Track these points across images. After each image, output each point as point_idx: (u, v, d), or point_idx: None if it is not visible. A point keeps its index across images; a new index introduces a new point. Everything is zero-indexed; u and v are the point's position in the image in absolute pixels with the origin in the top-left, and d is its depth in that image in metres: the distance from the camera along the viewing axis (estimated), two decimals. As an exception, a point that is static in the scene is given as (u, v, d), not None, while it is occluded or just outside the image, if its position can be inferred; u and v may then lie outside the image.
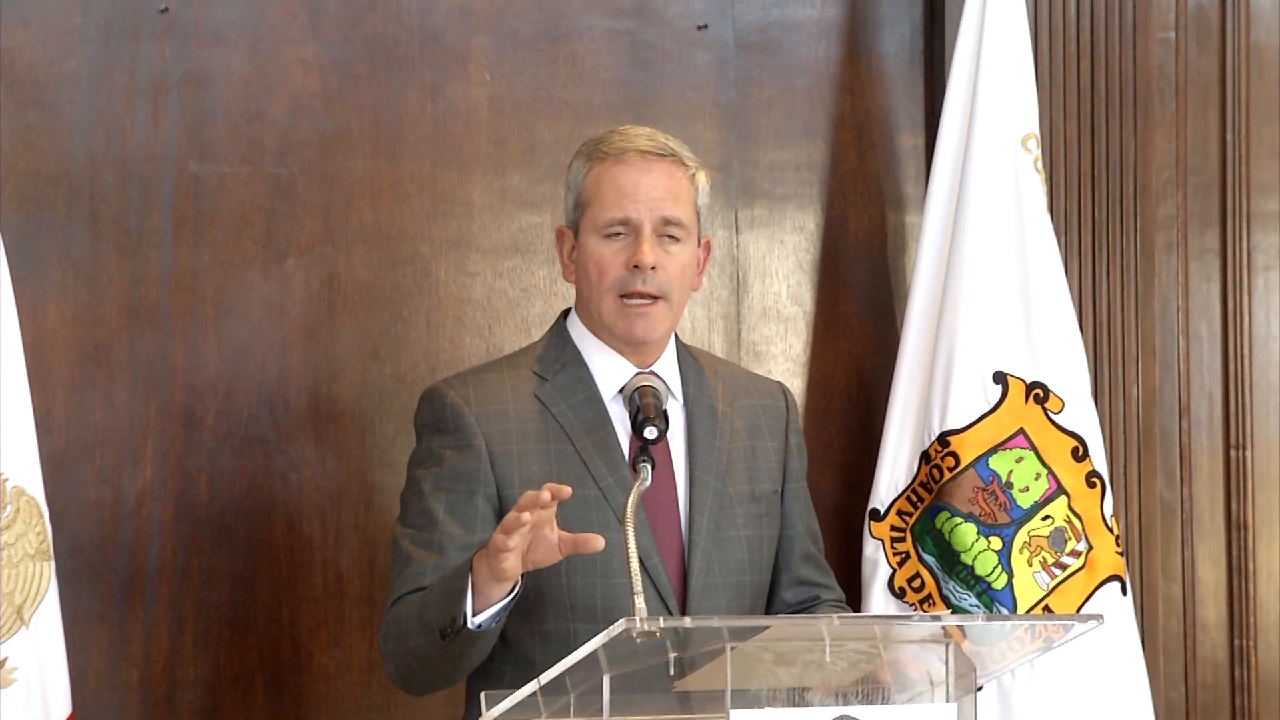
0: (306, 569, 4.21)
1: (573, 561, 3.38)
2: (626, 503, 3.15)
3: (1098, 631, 3.22)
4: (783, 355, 4.54)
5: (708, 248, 3.65)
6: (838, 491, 4.49)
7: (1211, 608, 4.72)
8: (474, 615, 3.21)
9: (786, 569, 3.68)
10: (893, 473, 4.35)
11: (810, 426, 4.49)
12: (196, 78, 4.19)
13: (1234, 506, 4.73)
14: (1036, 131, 4.40)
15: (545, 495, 3.08)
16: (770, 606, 3.66)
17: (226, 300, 4.19)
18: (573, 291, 3.62)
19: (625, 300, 3.50)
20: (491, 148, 4.37)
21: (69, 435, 4.07)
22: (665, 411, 3.41)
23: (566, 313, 3.65)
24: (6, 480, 3.69)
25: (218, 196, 4.19)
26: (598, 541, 3.14)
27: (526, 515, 3.08)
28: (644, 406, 3.39)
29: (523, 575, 3.30)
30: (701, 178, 3.58)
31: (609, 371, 3.55)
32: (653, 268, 3.47)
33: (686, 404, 3.58)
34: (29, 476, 3.72)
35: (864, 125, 4.63)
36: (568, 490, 3.10)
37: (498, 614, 3.23)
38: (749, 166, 4.54)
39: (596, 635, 2.87)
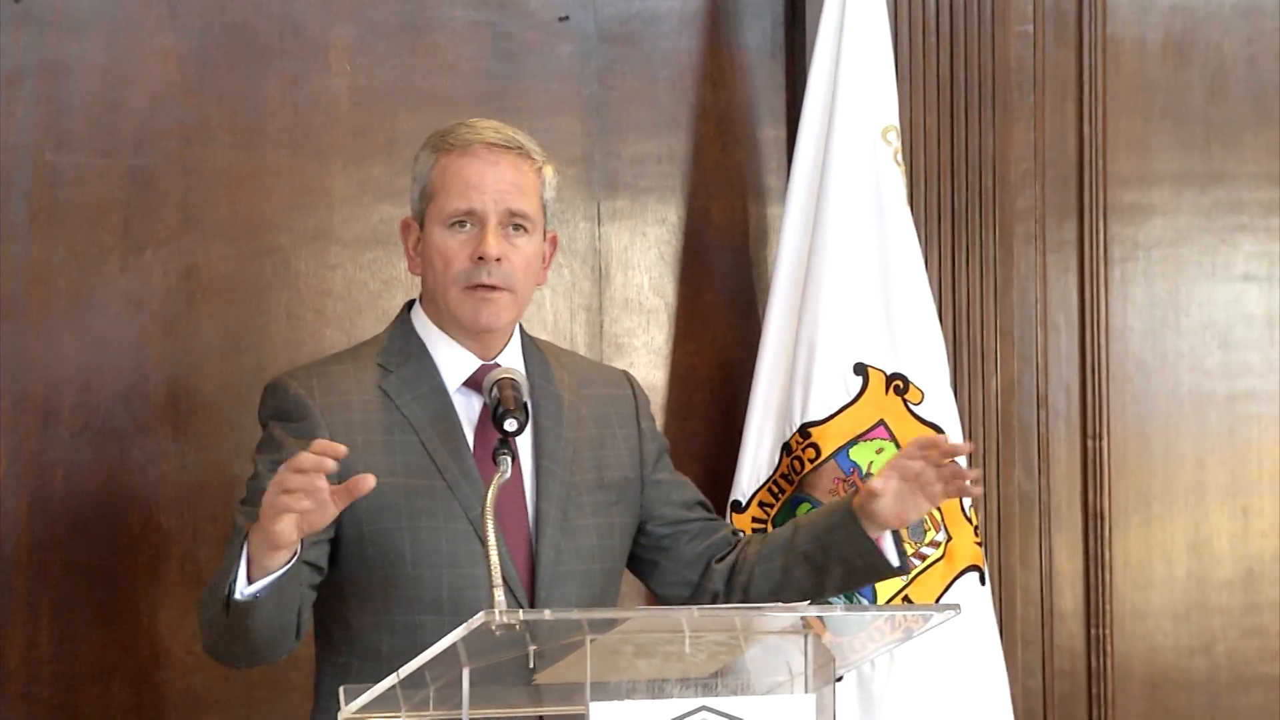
0: (165, 563, 4.17)
1: (419, 552, 3.38)
2: (485, 496, 3.17)
3: (956, 621, 3.25)
4: (644, 347, 4.54)
5: (554, 242, 3.64)
6: (700, 483, 4.43)
7: (1069, 597, 4.77)
8: (249, 584, 3.18)
9: (689, 539, 3.69)
10: (754, 464, 4.37)
11: (672, 418, 4.50)
12: (53, 67, 4.14)
13: (1090, 496, 4.78)
14: (897, 124, 4.43)
15: (317, 449, 3.06)
16: (688, 575, 3.68)
17: (84, 293, 4.14)
18: (430, 284, 3.61)
19: (469, 290, 3.50)
20: (352, 139, 4.35)
21: (-78, 429, 4.03)
22: (526, 404, 3.40)
23: (410, 305, 3.64)
24: None
25: (75, 188, 4.14)
26: (368, 480, 3.09)
27: (308, 456, 3.06)
28: (504, 399, 3.38)
29: (371, 565, 3.30)
30: (549, 171, 3.58)
31: (453, 363, 3.54)
32: (497, 259, 3.47)
33: (532, 394, 3.54)
34: (-119, 471, 3.68)
35: (726, 117, 4.64)
36: (342, 449, 3.07)
37: (272, 585, 3.19)
38: (611, 158, 4.54)
39: (443, 626, 2.87)
